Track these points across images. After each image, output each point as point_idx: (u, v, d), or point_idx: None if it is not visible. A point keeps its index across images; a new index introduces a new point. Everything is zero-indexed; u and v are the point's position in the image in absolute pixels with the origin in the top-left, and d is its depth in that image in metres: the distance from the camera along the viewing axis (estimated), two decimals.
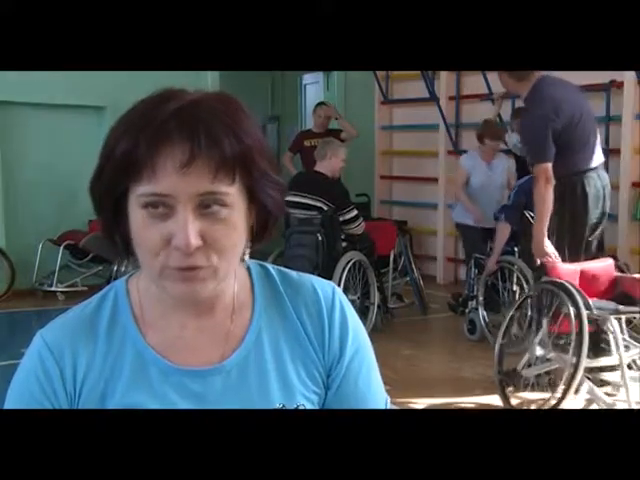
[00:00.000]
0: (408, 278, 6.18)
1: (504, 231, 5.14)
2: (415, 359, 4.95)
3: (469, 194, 5.72)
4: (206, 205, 0.89)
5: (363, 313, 5.34)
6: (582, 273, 3.88)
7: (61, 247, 6.79)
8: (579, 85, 4.76)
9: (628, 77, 5.99)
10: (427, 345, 5.43)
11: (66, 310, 1.03)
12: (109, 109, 6.96)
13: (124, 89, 6.37)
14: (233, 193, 0.90)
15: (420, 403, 4.05)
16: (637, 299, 3.74)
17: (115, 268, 6.07)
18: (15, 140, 6.94)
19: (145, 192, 0.89)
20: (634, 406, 3.51)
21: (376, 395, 1.08)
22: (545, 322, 3.78)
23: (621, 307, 3.69)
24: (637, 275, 3.98)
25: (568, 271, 3.84)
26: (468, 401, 4.10)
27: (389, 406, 1.09)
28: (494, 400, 4.06)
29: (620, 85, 6.06)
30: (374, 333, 5.04)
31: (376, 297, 5.44)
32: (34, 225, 6.93)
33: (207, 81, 7.06)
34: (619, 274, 4.01)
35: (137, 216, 0.91)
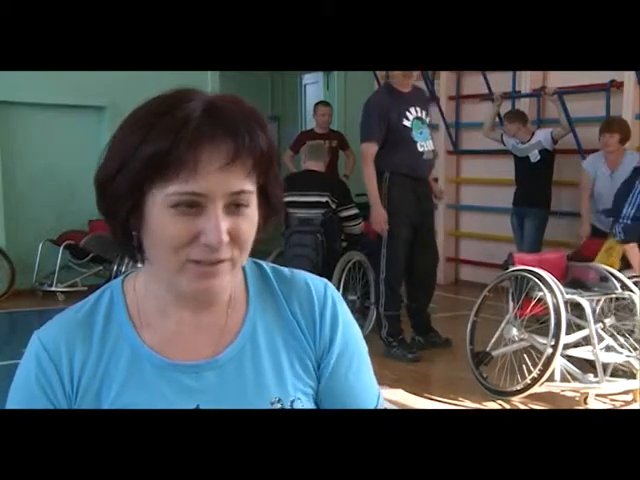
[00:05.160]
0: None
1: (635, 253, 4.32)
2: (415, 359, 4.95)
3: (593, 201, 5.53)
4: (235, 203, 0.91)
5: (363, 313, 5.34)
6: (541, 262, 4.33)
7: (61, 247, 6.78)
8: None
9: (628, 77, 5.99)
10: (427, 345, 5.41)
11: (64, 310, 1.03)
12: (109, 109, 6.97)
13: (124, 89, 6.39)
14: (254, 191, 0.93)
15: (420, 403, 4.05)
16: (587, 283, 4.27)
17: (115, 268, 6.07)
18: (15, 140, 6.94)
19: (179, 191, 0.88)
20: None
21: (366, 389, 1.09)
22: (518, 306, 4.16)
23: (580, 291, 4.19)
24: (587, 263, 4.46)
25: (533, 261, 4.34)
26: (468, 401, 4.10)
27: (382, 400, 1.10)
28: (493, 401, 4.07)
29: (620, 85, 6.06)
30: (374, 333, 5.05)
31: (374, 297, 5.43)
32: (34, 225, 6.93)
33: (207, 81, 7.06)
34: (570, 263, 4.49)
35: (161, 214, 0.90)
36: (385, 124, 4.85)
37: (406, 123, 4.91)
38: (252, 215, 0.94)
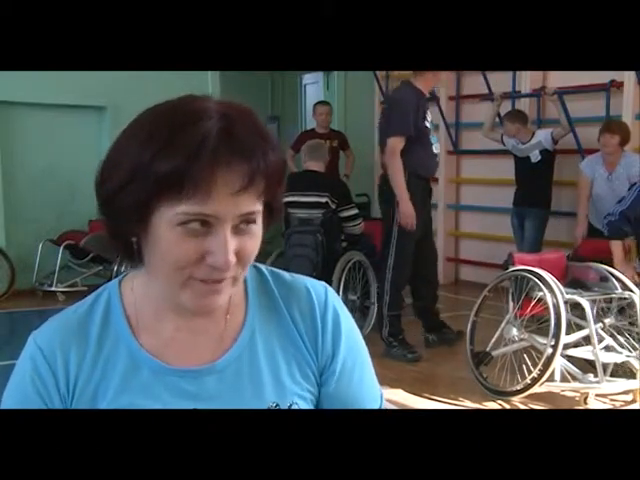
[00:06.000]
0: None
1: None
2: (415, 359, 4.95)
3: (591, 203, 5.58)
4: (243, 223, 0.90)
5: (363, 313, 5.34)
6: (541, 262, 4.35)
7: (61, 247, 6.78)
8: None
9: (628, 77, 5.99)
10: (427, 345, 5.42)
11: (61, 311, 1.03)
12: (109, 109, 6.97)
13: (124, 89, 6.40)
14: (261, 210, 0.93)
15: (420, 403, 4.05)
16: (587, 283, 4.31)
17: (115, 268, 6.07)
18: (15, 140, 6.94)
19: (189, 212, 0.87)
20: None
21: (369, 393, 1.09)
22: (518, 306, 4.17)
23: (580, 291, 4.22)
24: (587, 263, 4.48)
25: (533, 261, 4.36)
26: (468, 401, 4.10)
27: (384, 400, 1.11)
28: (493, 401, 4.07)
29: (620, 85, 6.06)
30: (374, 333, 5.05)
31: (376, 297, 5.44)
32: (34, 225, 6.93)
33: (207, 81, 7.05)
34: (570, 263, 4.53)
35: (168, 231, 0.89)
36: (415, 122, 4.85)
37: (427, 124, 4.97)
38: (258, 231, 0.93)
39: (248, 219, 0.91)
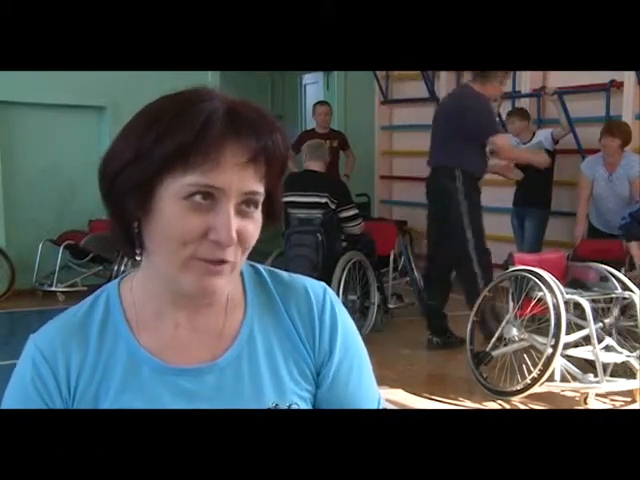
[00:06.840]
0: (408, 278, 6.18)
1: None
2: (415, 359, 4.95)
3: (592, 203, 5.61)
4: (245, 203, 0.92)
5: (363, 313, 5.34)
6: (541, 262, 4.38)
7: (61, 247, 6.78)
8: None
9: (628, 77, 5.99)
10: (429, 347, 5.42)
11: (64, 311, 1.03)
12: (109, 109, 6.97)
13: (124, 89, 6.40)
14: (263, 194, 0.94)
15: (420, 403, 4.05)
16: (587, 283, 4.35)
17: (115, 268, 6.07)
18: (15, 140, 6.94)
19: (199, 182, 0.88)
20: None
21: (367, 394, 1.08)
22: (518, 306, 4.19)
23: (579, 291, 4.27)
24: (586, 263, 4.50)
25: (533, 261, 4.39)
26: (468, 401, 4.10)
27: (382, 404, 1.10)
28: (493, 401, 4.07)
29: (620, 85, 6.06)
30: (374, 333, 5.05)
31: (376, 297, 5.44)
32: (34, 225, 6.93)
33: (207, 81, 7.01)
34: (570, 263, 4.58)
35: (173, 205, 0.89)
36: None
37: None
38: (258, 218, 0.94)
39: (250, 199, 0.92)
